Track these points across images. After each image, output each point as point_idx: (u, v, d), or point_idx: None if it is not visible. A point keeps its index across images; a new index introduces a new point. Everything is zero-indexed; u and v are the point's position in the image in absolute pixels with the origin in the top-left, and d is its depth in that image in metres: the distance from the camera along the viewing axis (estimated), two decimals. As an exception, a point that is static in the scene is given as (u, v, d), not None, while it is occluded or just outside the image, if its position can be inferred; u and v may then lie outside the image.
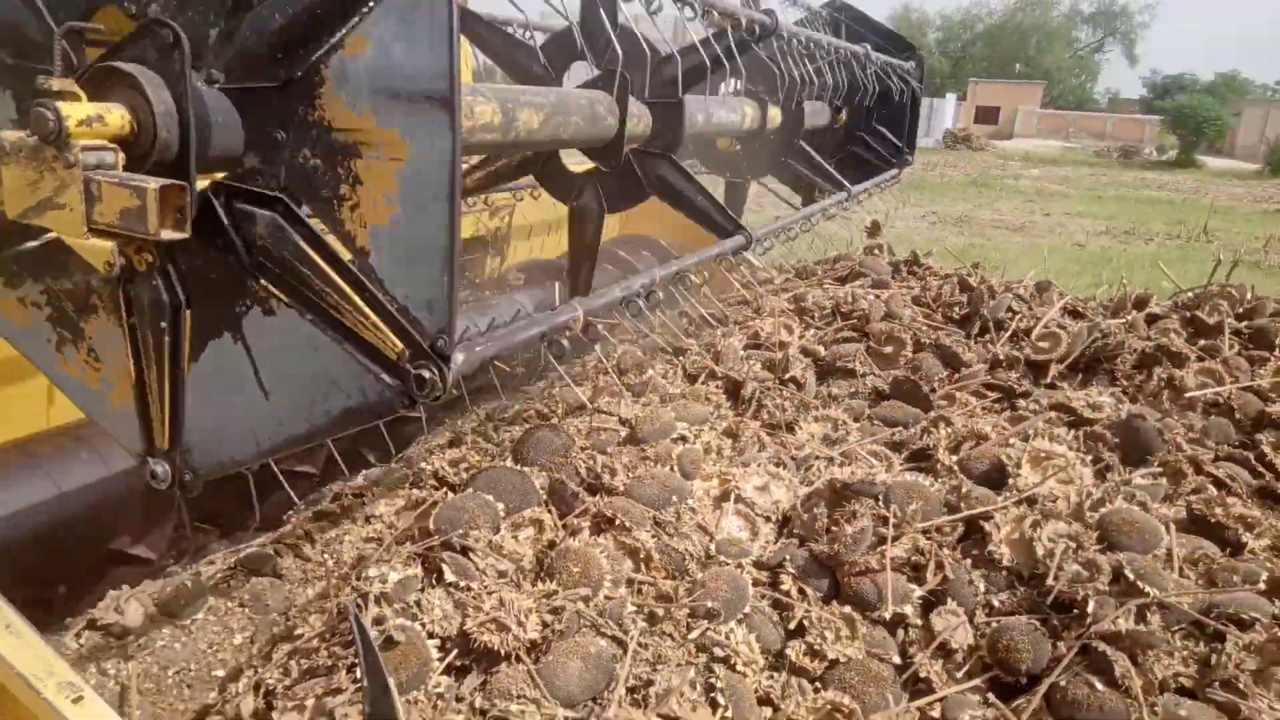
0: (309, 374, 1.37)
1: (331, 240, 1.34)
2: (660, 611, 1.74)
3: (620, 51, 2.46)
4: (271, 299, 1.36)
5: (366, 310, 1.31)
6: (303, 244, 1.32)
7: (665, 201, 2.65)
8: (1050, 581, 1.83)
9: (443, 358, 1.30)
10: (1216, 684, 1.67)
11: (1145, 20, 64.53)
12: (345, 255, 1.33)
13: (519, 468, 2.05)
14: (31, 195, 1.26)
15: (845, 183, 4.09)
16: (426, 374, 1.30)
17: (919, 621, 1.84)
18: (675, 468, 2.16)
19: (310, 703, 1.51)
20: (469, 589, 1.67)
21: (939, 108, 41.24)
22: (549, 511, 1.96)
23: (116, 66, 1.27)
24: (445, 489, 2.07)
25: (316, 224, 1.35)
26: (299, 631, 1.73)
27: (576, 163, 2.64)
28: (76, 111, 1.21)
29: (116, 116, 1.25)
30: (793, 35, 3.44)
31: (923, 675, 1.76)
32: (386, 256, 1.31)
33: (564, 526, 1.93)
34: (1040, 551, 1.90)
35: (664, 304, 2.45)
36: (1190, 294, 3.90)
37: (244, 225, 1.34)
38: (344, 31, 1.27)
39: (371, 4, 1.25)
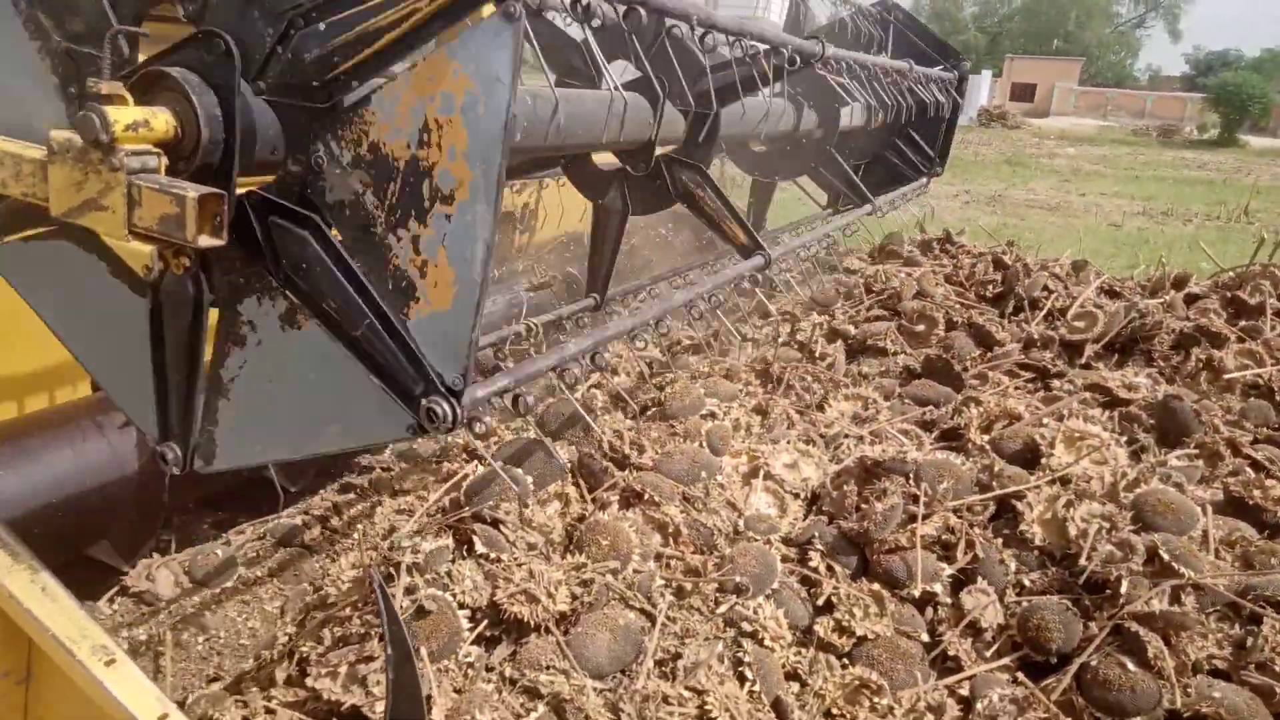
0: (324, 390, 1.40)
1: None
2: (689, 585, 1.74)
3: (670, 51, 2.41)
4: (297, 313, 1.39)
5: (388, 340, 1.34)
6: (333, 266, 1.34)
7: (690, 211, 2.61)
8: (1083, 562, 1.81)
9: (456, 395, 1.33)
10: (1251, 666, 1.65)
11: (1190, -6, 62.94)
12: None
13: (547, 441, 2.06)
14: (76, 195, 1.27)
15: (870, 197, 4.01)
16: (439, 409, 1.32)
17: (948, 600, 1.84)
18: (704, 444, 2.15)
19: (343, 669, 1.53)
20: (499, 560, 1.68)
21: (973, 84, 40.47)
22: (577, 485, 1.97)
23: (164, 71, 1.27)
24: (475, 461, 2.08)
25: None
26: (332, 600, 1.75)
27: (608, 160, 2.61)
28: (124, 116, 1.21)
29: (162, 121, 1.25)
30: (839, 59, 3.35)
31: (951, 653, 1.75)
32: None
33: (593, 500, 1.94)
34: (1073, 531, 1.88)
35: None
36: (1231, 274, 3.81)
37: (277, 238, 1.36)
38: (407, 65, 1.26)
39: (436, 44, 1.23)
